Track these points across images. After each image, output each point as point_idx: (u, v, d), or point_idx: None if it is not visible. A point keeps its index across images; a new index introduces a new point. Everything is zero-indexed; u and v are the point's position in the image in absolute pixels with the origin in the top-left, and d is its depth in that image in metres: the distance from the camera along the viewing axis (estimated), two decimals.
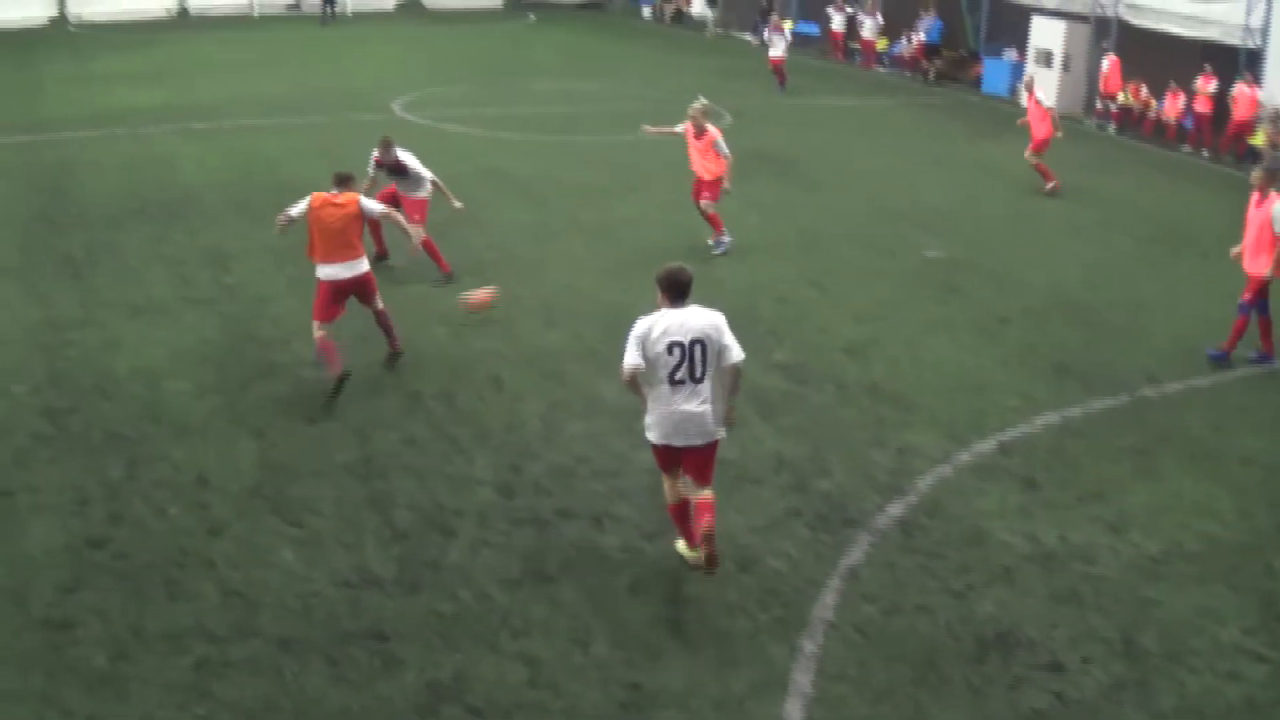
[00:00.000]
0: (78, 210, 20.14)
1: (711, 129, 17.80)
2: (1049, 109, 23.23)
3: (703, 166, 17.99)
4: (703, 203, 18.22)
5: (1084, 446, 12.38)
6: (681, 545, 9.89)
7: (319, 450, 11.69)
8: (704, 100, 18.46)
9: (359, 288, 13.06)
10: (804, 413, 12.92)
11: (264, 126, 22.91)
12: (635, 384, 9.21)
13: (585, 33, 47.02)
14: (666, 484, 9.70)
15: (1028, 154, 23.34)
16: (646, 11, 53.21)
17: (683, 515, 9.74)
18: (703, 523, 9.27)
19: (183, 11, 48.99)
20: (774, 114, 31.08)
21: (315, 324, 12.86)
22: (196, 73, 34.24)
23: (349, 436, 11.98)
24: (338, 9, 48.96)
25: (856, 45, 41.36)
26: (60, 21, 46.54)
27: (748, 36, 46.23)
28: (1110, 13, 33.09)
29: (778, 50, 35.31)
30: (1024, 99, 24.62)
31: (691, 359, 9.10)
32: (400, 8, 52.81)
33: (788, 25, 40.03)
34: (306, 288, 16.09)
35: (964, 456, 11.97)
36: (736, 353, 9.16)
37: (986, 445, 12.25)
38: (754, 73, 37.20)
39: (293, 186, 17.79)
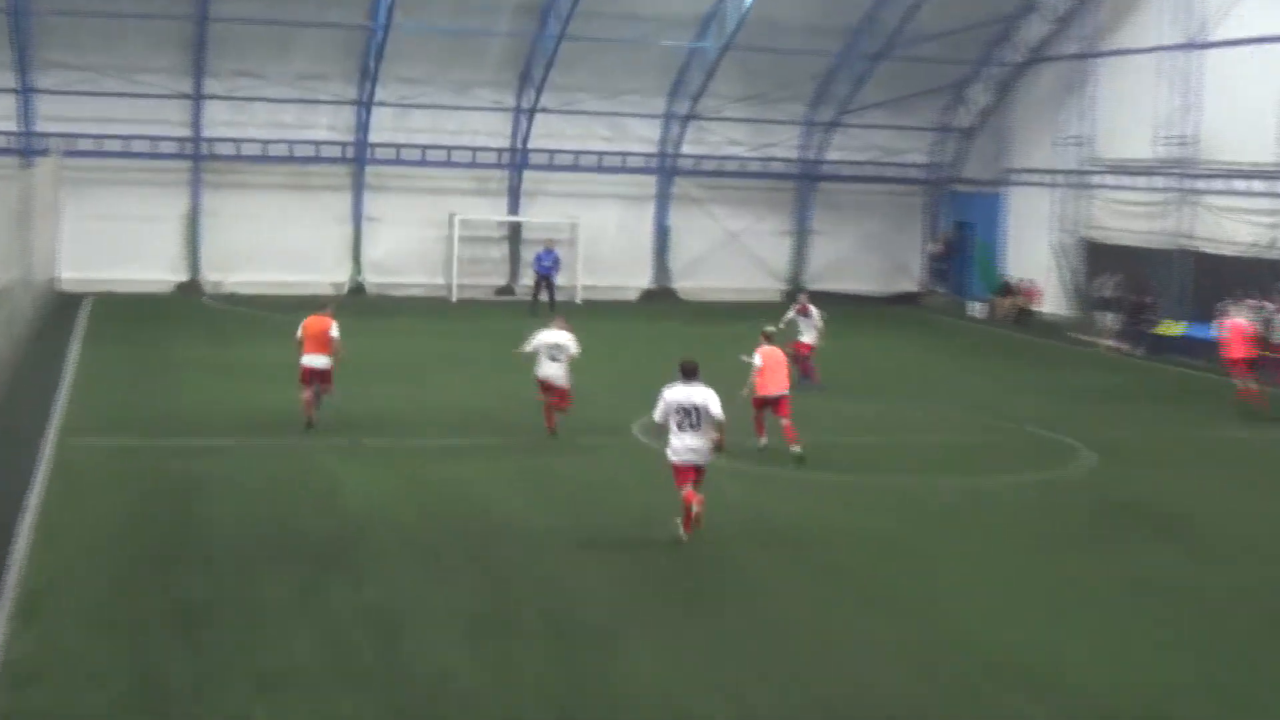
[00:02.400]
0: (202, 544, 20.80)
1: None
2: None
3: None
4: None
5: None
6: (679, 528, 21.14)
7: None
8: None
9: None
10: None
11: (457, 447, 23.57)
12: (662, 426, 21.38)
13: (892, 335, 48.04)
14: (685, 491, 20.95)
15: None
16: (977, 308, 53.65)
17: (687, 509, 20.84)
18: (695, 503, 20.76)
19: (357, 288, 51.17)
20: (1155, 450, 30.92)
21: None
22: (370, 370, 35.28)
23: None
24: (558, 295, 49.93)
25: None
26: (191, 289, 49.21)
27: (1116, 344, 46.22)
28: None
29: (807, 336, 37.55)
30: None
31: (691, 416, 20.89)
32: (646, 295, 54.45)
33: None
34: (501, 664, 16.27)
35: None
36: (717, 411, 20.87)
37: None
38: (1131, 395, 37.47)
39: (495, 528, 18.00)
